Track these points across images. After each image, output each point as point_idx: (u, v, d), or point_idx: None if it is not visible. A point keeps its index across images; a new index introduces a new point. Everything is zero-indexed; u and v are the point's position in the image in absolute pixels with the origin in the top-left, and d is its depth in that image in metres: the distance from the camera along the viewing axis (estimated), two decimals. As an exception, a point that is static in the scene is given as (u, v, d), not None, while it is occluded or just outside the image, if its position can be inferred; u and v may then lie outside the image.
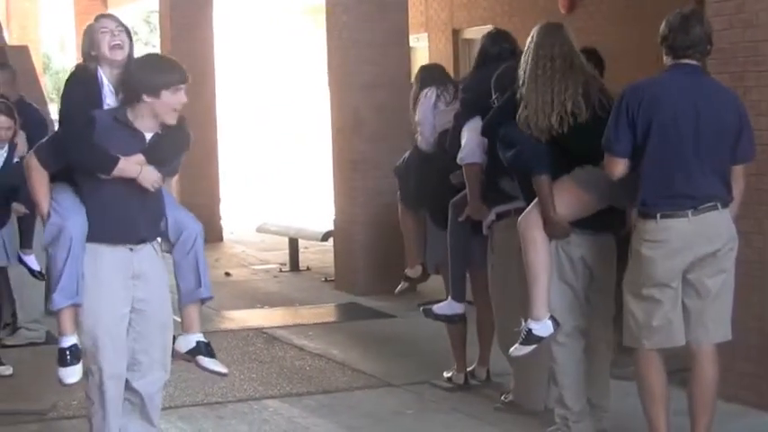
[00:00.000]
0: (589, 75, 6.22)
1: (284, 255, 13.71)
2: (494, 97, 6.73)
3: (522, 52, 6.38)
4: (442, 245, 7.40)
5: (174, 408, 7.37)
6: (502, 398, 7.25)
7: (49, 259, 5.64)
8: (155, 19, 23.92)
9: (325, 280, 12.39)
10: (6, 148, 8.07)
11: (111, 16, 5.86)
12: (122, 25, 5.74)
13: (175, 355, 5.99)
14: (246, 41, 21.72)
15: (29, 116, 8.72)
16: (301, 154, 20.66)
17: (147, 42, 28.22)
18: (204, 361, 6.00)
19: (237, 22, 21.46)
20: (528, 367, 6.90)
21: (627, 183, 5.81)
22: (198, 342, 5.99)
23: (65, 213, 5.58)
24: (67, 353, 5.67)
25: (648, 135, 5.64)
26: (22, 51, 12.92)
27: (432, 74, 7.96)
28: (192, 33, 15.48)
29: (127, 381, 5.77)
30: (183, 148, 5.84)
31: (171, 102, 5.54)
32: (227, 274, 13.19)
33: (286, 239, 13.71)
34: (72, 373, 5.68)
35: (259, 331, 9.91)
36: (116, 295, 5.65)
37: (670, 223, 5.65)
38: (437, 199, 7.43)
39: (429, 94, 7.64)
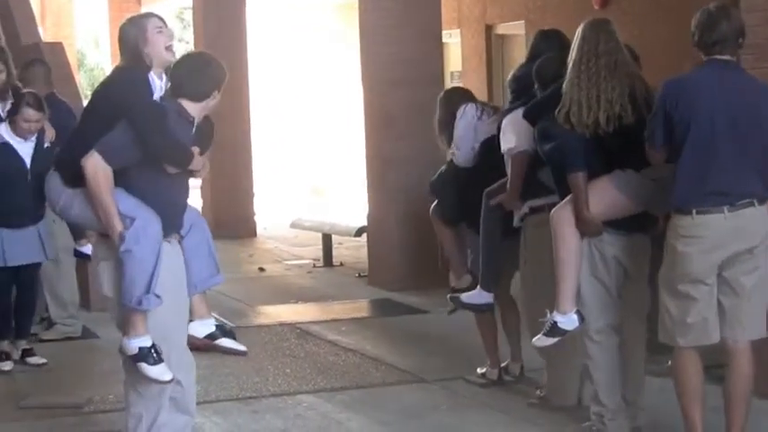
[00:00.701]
0: (635, 75, 6.19)
1: (318, 250, 13.74)
2: (535, 88, 6.76)
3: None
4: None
5: (209, 402, 7.40)
6: (537, 392, 7.25)
7: (133, 260, 5.54)
8: (188, 16, 23.99)
9: (359, 275, 12.41)
10: (35, 135, 8.25)
11: (157, 15, 5.86)
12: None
13: (194, 342, 5.97)
14: (278, 38, 21.74)
15: (58, 110, 8.81)
16: (333, 150, 20.66)
17: (181, 39, 28.30)
18: (226, 342, 5.99)
19: (269, 18, 21.49)
20: (560, 363, 6.91)
21: (666, 192, 5.80)
22: (216, 326, 6.00)
23: (141, 213, 5.56)
24: (153, 351, 5.60)
25: (685, 131, 5.63)
26: (57, 48, 12.95)
27: (460, 94, 7.92)
28: (226, 30, 15.53)
29: None
30: (212, 138, 5.93)
31: (215, 99, 5.72)
32: (261, 269, 13.22)
33: (320, 235, 13.73)
34: (166, 370, 5.62)
35: (293, 326, 9.94)
36: (169, 290, 5.65)
37: (706, 219, 5.64)
38: (478, 211, 7.38)
39: (468, 109, 7.58)
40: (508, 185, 7.04)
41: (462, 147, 7.54)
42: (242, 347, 6.07)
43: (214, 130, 5.94)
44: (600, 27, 6.23)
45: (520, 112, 6.86)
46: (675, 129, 5.65)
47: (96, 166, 5.52)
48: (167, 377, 5.62)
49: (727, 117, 5.64)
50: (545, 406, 7.09)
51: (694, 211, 5.65)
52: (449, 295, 7.68)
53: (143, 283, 5.52)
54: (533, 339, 6.44)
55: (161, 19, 5.78)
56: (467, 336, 8.37)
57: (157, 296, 5.55)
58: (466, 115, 7.55)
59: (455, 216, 7.69)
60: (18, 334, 8.59)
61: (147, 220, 5.56)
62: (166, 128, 5.54)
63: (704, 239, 5.65)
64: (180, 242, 5.86)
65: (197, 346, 6.02)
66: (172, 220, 5.72)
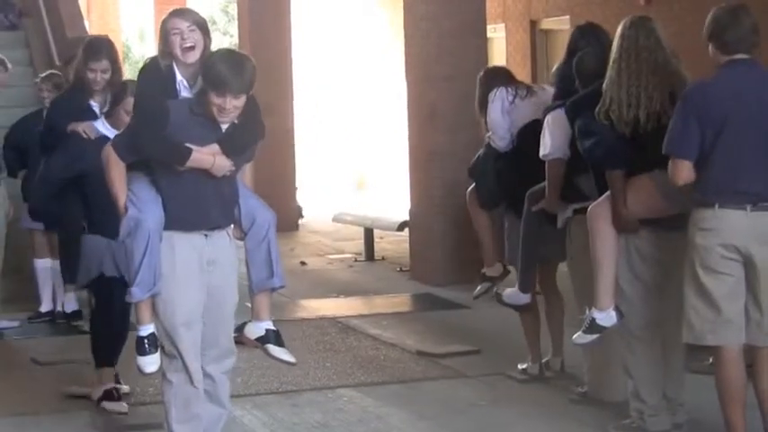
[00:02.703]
0: (676, 74, 6.14)
1: (359, 244, 13.74)
2: (576, 84, 6.74)
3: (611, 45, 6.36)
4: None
5: (249, 396, 7.42)
6: (578, 389, 7.22)
7: (127, 251, 5.70)
8: (233, 9, 24.05)
9: (401, 270, 12.40)
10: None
11: (182, 14, 5.78)
12: (195, 23, 5.70)
13: (245, 341, 6.03)
14: (323, 28, 21.77)
15: None
16: (378, 142, 20.65)
17: (226, 32, 28.40)
18: (273, 349, 6.02)
19: (314, 8, 21.52)
20: (603, 358, 6.88)
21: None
22: (267, 330, 6.01)
23: (142, 206, 5.63)
24: (146, 342, 5.73)
25: (717, 135, 5.59)
26: (103, 41, 13.03)
27: (498, 75, 7.92)
28: (270, 23, 15.55)
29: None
30: (258, 137, 5.87)
31: (216, 102, 5.55)
32: (303, 263, 13.24)
33: (361, 229, 13.74)
34: (151, 362, 5.75)
35: (334, 320, 9.95)
36: (192, 283, 5.71)
37: (727, 213, 5.62)
38: (517, 195, 7.36)
39: (498, 94, 7.59)
40: (546, 190, 7.03)
41: (497, 131, 7.57)
42: (290, 358, 6.09)
43: (260, 129, 5.81)
44: (639, 24, 6.19)
45: (559, 111, 6.84)
46: (708, 133, 5.60)
47: (108, 158, 5.71)
48: (149, 369, 5.76)
49: (757, 115, 5.60)
50: (587, 402, 7.06)
51: (717, 205, 5.63)
52: (494, 289, 7.70)
53: (131, 276, 5.67)
54: (573, 337, 6.42)
55: (186, 18, 5.70)
56: (507, 331, 8.35)
57: (148, 290, 5.62)
58: (497, 100, 7.58)
59: (492, 201, 7.70)
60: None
61: (144, 214, 5.62)
62: (156, 124, 5.54)
63: (722, 232, 5.63)
64: (240, 237, 5.90)
65: (247, 344, 6.07)
66: (199, 214, 5.72)
